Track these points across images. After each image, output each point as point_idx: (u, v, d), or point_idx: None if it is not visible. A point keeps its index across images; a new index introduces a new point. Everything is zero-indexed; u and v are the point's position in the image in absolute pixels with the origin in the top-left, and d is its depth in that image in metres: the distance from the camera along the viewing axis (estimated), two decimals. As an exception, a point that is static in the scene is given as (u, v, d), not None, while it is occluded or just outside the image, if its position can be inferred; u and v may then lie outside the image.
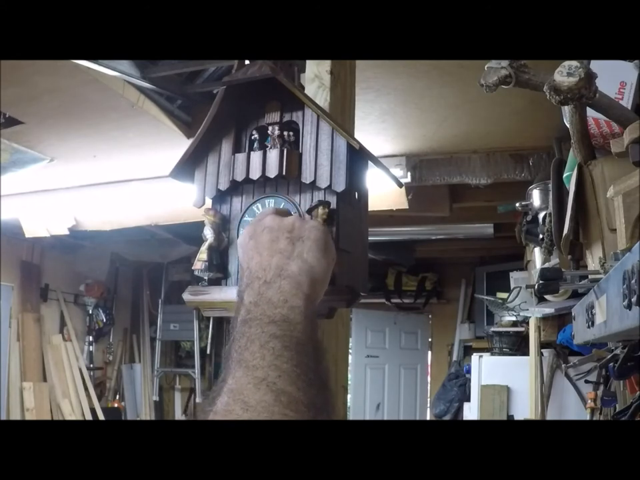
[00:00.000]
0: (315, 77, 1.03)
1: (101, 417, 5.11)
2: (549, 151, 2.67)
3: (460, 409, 4.40)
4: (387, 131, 2.62)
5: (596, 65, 1.18)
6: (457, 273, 5.74)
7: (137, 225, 3.61)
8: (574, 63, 1.08)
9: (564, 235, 1.56)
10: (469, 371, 4.02)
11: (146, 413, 5.64)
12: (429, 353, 6.12)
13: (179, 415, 5.90)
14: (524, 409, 3.20)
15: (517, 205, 2.45)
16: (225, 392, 0.55)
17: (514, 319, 3.57)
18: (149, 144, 2.77)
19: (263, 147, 0.83)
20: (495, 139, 2.74)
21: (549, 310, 2.78)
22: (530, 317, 3.17)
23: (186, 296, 0.84)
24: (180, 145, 2.52)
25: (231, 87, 0.82)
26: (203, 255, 0.82)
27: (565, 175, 1.68)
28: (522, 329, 3.58)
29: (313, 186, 0.80)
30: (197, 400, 5.63)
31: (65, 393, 4.92)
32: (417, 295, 5.72)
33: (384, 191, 2.63)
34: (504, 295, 3.69)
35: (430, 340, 6.12)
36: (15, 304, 4.84)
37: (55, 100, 2.29)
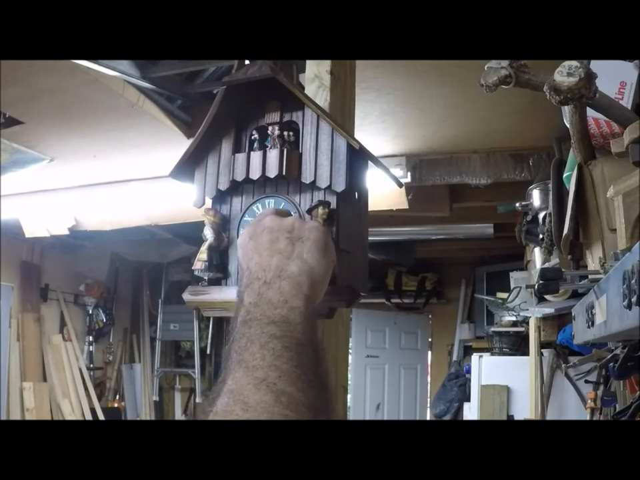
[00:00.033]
0: (315, 76, 1.03)
1: (101, 416, 5.11)
2: (549, 151, 2.67)
3: (460, 409, 4.40)
4: (387, 130, 2.62)
5: (596, 65, 1.18)
6: (457, 273, 5.74)
7: (137, 224, 3.61)
8: (574, 62, 1.08)
9: (564, 235, 1.56)
10: (468, 371, 4.02)
11: (146, 413, 5.64)
12: (429, 352, 6.12)
13: (178, 415, 5.90)
14: (524, 409, 3.20)
15: (517, 205, 2.45)
16: (225, 392, 0.55)
17: (514, 318, 3.57)
18: (148, 144, 2.77)
19: (263, 147, 0.83)
20: (495, 139, 2.74)
21: (549, 310, 2.78)
22: (530, 317, 3.17)
23: (186, 296, 0.84)
24: (180, 144, 2.52)
25: (231, 87, 0.82)
26: (202, 254, 0.81)
27: (565, 175, 1.68)
28: (522, 329, 3.58)
29: (312, 186, 0.80)
30: (197, 400, 5.63)
31: (64, 392, 4.92)
32: (417, 295, 5.72)
33: (384, 191, 2.63)
34: (504, 295, 3.69)
35: (430, 340, 6.12)
36: (14, 304, 4.84)
37: (55, 100, 2.29)
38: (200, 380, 5.52)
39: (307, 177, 0.79)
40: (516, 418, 3.31)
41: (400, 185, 0.97)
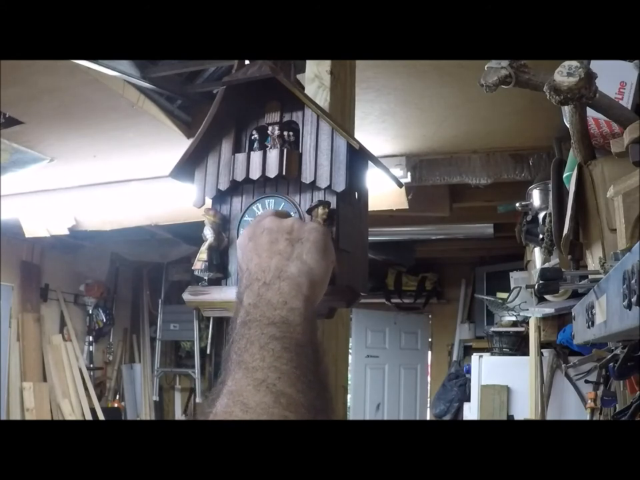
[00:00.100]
0: (315, 76, 1.03)
1: (101, 416, 5.11)
2: (549, 151, 2.67)
3: (460, 409, 4.40)
4: (387, 130, 2.62)
5: (596, 65, 1.18)
6: (457, 273, 5.74)
7: (137, 224, 3.61)
8: (574, 62, 1.08)
9: (564, 235, 1.56)
10: (469, 371, 4.02)
11: (146, 413, 5.64)
12: (429, 352, 6.12)
13: (178, 415, 5.90)
14: (524, 409, 3.20)
15: (517, 205, 2.45)
16: (225, 394, 0.55)
17: (514, 318, 3.57)
18: (149, 144, 2.77)
19: (263, 147, 0.83)
20: (495, 139, 2.74)
21: (549, 310, 2.78)
22: (530, 317, 3.17)
23: (186, 296, 0.84)
24: (180, 144, 2.52)
25: (231, 87, 0.82)
26: (202, 254, 0.81)
27: (565, 175, 1.68)
28: (522, 329, 3.58)
29: (312, 186, 0.80)
30: (197, 400, 5.63)
31: (65, 393, 4.92)
32: (417, 295, 5.72)
33: (384, 191, 2.63)
34: (504, 295, 3.69)
35: (430, 340, 6.12)
36: (14, 304, 4.84)
37: (55, 100, 2.29)
38: (200, 380, 5.52)
39: (307, 177, 0.79)
40: (516, 418, 3.31)
41: (400, 185, 0.97)
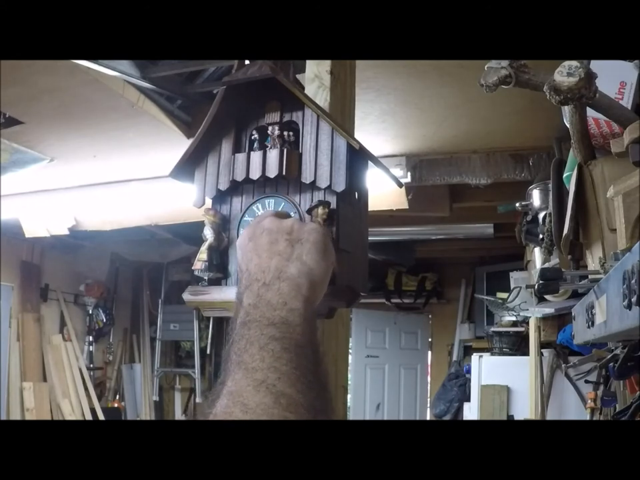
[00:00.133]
0: (315, 76, 1.03)
1: (101, 416, 5.11)
2: (549, 151, 2.67)
3: (460, 409, 4.40)
4: (387, 130, 2.62)
5: (596, 65, 1.18)
6: (457, 273, 5.74)
7: (137, 224, 3.61)
8: (574, 63, 1.08)
9: (564, 235, 1.56)
10: (469, 371, 4.02)
11: (146, 413, 5.64)
12: (429, 352, 6.12)
13: (178, 415, 5.90)
14: (524, 409, 3.20)
15: (517, 205, 2.45)
16: (225, 394, 0.55)
17: (514, 318, 3.57)
18: (149, 144, 2.77)
19: (263, 147, 0.83)
20: (495, 139, 2.74)
21: (549, 310, 2.78)
22: (530, 317, 3.17)
23: (186, 296, 0.84)
24: (180, 144, 2.52)
25: (231, 87, 0.82)
26: (202, 254, 0.81)
27: (565, 175, 1.68)
28: (522, 329, 3.58)
29: (312, 186, 0.80)
30: (197, 400, 5.63)
31: (65, 393, 4.92)
32: (417, 295, 5.72)
33: (384, 191, 2.63)
34: (504, 295, 3.69)
35: (430, 340, 6.12)
36: (14, 304, 4.84)
37: (55, 100, 2.29)
38: (200, 380, 5.52)
39: (306, 177, 0.79)
40: (516, 418, 3.31)
41: (400, 185, 0.97)
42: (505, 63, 1.17)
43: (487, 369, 3.50)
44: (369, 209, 0.90)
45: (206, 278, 0.82)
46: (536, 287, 1.40)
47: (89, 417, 4.95)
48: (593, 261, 1.46)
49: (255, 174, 0.81)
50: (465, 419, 4.15)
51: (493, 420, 3.24)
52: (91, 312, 5.49)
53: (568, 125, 1.44)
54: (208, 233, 0.82)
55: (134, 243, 4.81)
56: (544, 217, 2.15)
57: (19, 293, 4.88)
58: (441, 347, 5.91)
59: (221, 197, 0.85)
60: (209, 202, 0.86)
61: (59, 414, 4.82)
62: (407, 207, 3.00)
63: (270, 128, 0.83)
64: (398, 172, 2.82)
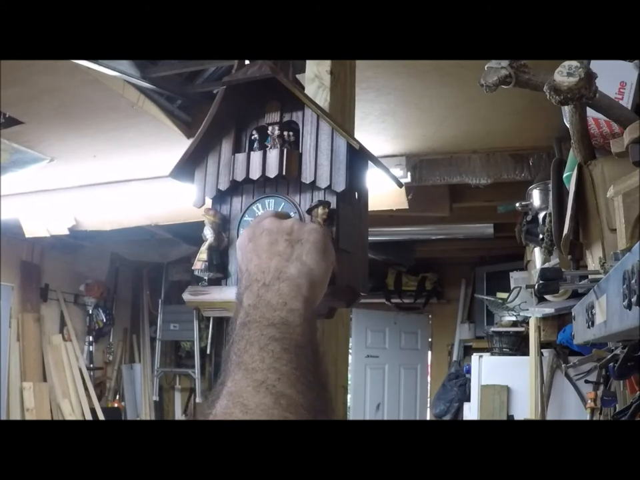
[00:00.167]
0: (315, 76, 1.03)
1: (101, 416, 5.11)
2: (549, 151, 2.67)
3: (460, 409, 4.40)
4: (387, 130, 2.62)
5: (596, 65, 1.18)
6: (457, 273, 5.74)
7: (137, 224, 3.61)
8: (574, 63, 1.08)
9: (564, 235, 1.56)
10: (469, 371, 4.02)
11: (146, 413, 5.64)
12: (429, 352, 6.12)
13: (178, 415, 5.90)
14: (524, 409, 3.20)
15: (517, 205, 2.45)
16: (225, 395, 0.55)
17: (514, 318, 3.57)
18: (149, 144, 2.77)
19: (263, 147, 0.83)
20: (495, 139, 2.74)
21: (549, 310, 2.78)
22: (530, 317, 3.17)
23: (186, 296, 0.84)
24: (180, 144, 2.52)
25: (231, 87, 0.82)
26: (202, 254, 0.82)
27: (565, 175, 1.68)
28: (522, 329, 3.58)
29: (312, 186, 0.80)
30: (197, 400, 5.63)
31: (65, 393, 4.92)
32: (417, 295, 5.72)
33: (384, 191, 2.63)
34: (504, 295, 3.69)
35: (430, 340, 6.12)
36: (14, 304, 4.84)
37: (55, 100, 2.29)
38: (200, 380, 5.52)
39: (306, 177, 0.79)
40: (516, 418, 3.31)
41: (400, 185, 0.97)
42: (505, 62, 1.17)
43: (487, 369, 3.50)
44: (369, 209, 0.90)
45: (206, 278, 0.82)
46: (536, 287, 1.40)
47: (89, 417, 4.95)
48: (593, 260, 1.46)
49: (255, 174, 0.81)
50: (465, 418, 4.15)
51: (493, 420, 3.24)
52: (90, 312, 5.49)
53: (568, 125, 1.44)
54: (208, 233, 0.82)
55: (134, 242, 4.81)
56: (544, 217, 2.15)
57: (19, 293, 4.88)
58: (440, 347, 5.91)
59: (221, 197, 0.85)
60: (209, 202, 0.86)
61: (59, 414, 4.82)
62: (407, 207, 3.00)
63: (270, 128, 0.83)
64: (398, 172, 2.82)
